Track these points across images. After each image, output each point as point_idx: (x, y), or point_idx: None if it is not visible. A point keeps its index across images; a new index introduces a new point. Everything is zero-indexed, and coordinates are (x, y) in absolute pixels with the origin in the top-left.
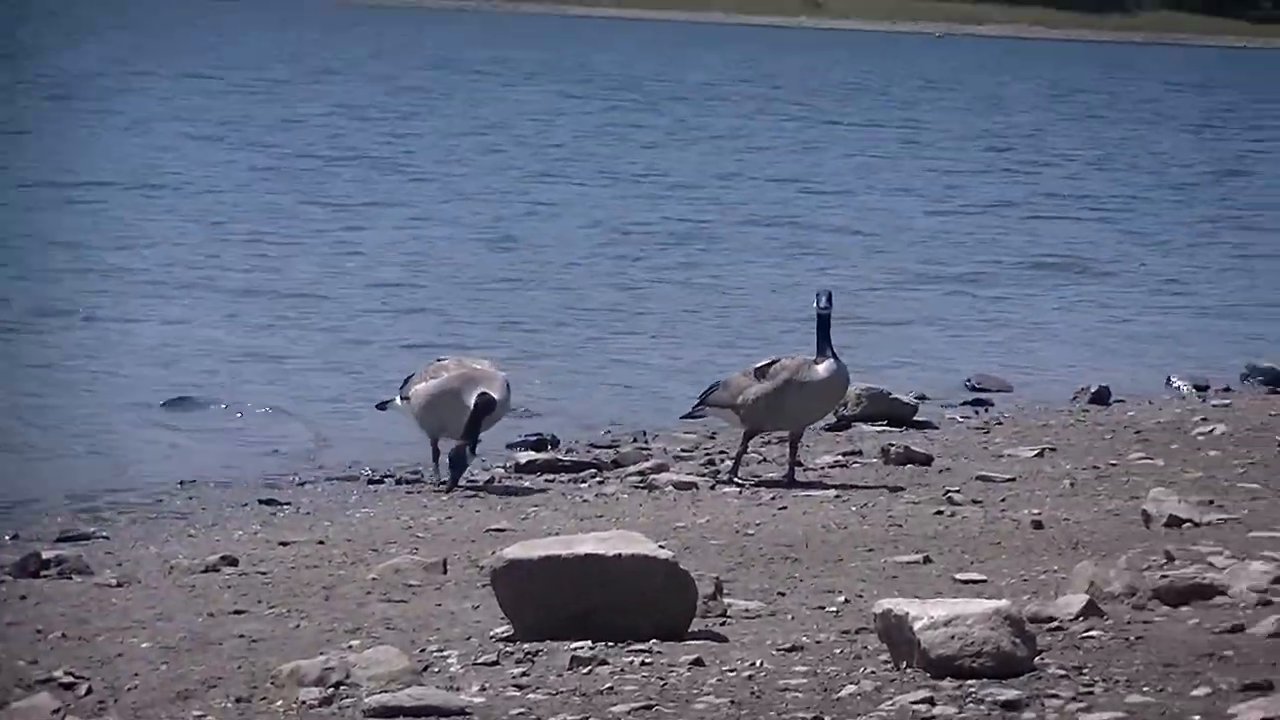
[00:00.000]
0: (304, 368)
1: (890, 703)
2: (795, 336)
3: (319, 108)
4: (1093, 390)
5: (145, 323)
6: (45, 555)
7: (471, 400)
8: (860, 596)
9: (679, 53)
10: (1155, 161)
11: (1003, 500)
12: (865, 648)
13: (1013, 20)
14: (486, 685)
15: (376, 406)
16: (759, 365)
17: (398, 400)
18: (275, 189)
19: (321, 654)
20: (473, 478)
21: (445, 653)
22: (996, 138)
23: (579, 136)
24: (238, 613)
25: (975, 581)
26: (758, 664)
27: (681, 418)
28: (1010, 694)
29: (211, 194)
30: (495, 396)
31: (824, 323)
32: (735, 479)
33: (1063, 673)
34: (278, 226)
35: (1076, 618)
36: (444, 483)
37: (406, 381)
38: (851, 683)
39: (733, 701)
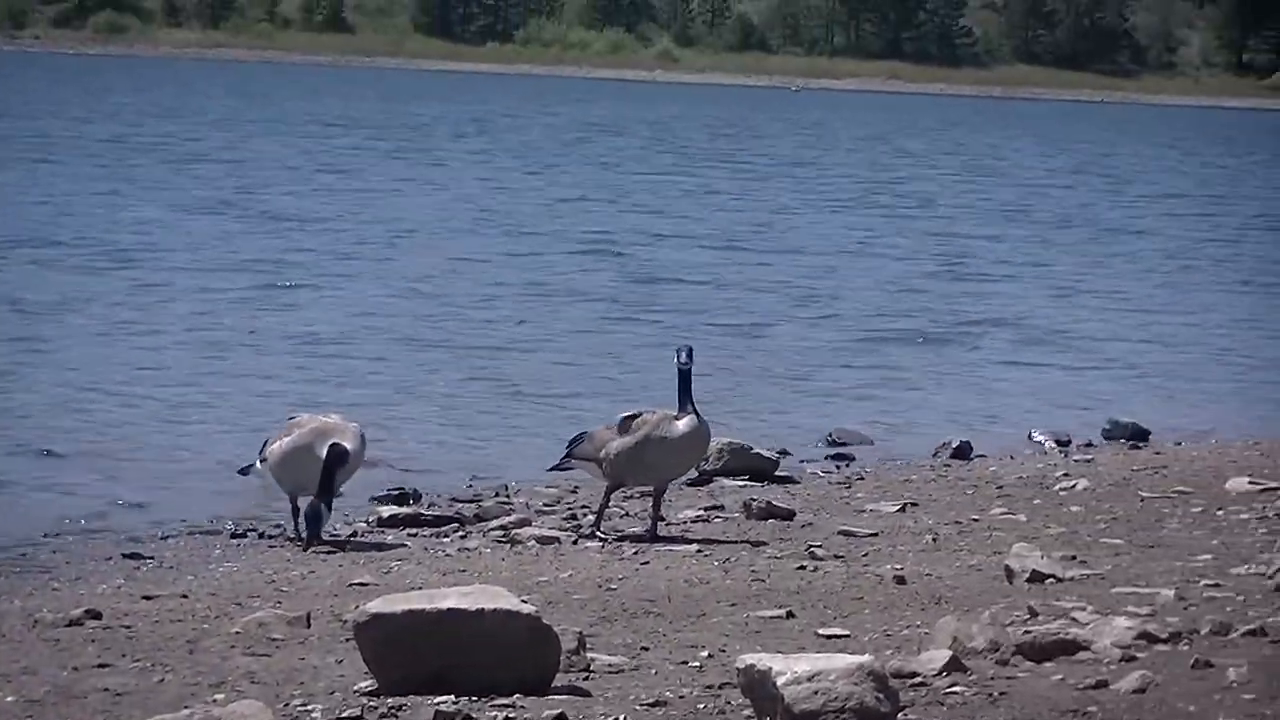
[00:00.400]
0: (167, 418)
1: None
2: (664, 392)
3: None
4: (954, 445)
5: (12, 374)
6: None
7: (323, 453)
8: (723, 651)
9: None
10: (1024, 210)
11: (865, 555)
12: (729, 703)
13: (868, 74)
14: None
15: (239, 472)
16: (623, 417)
17: (258, 464)
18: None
19: (186, 708)
20: (335, 532)
21: (309, 707)
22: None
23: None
24: (102, 666)
25: (838, 636)
26: (622, 719)
27: (549, 470)
28: None
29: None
30: (348, 447)
31: (685, 378)
32: (598, 533)
33: None
34: (142, 274)
35: (940, 673)
36: (304, 539)
37: (265, 444)
38: None
39: None
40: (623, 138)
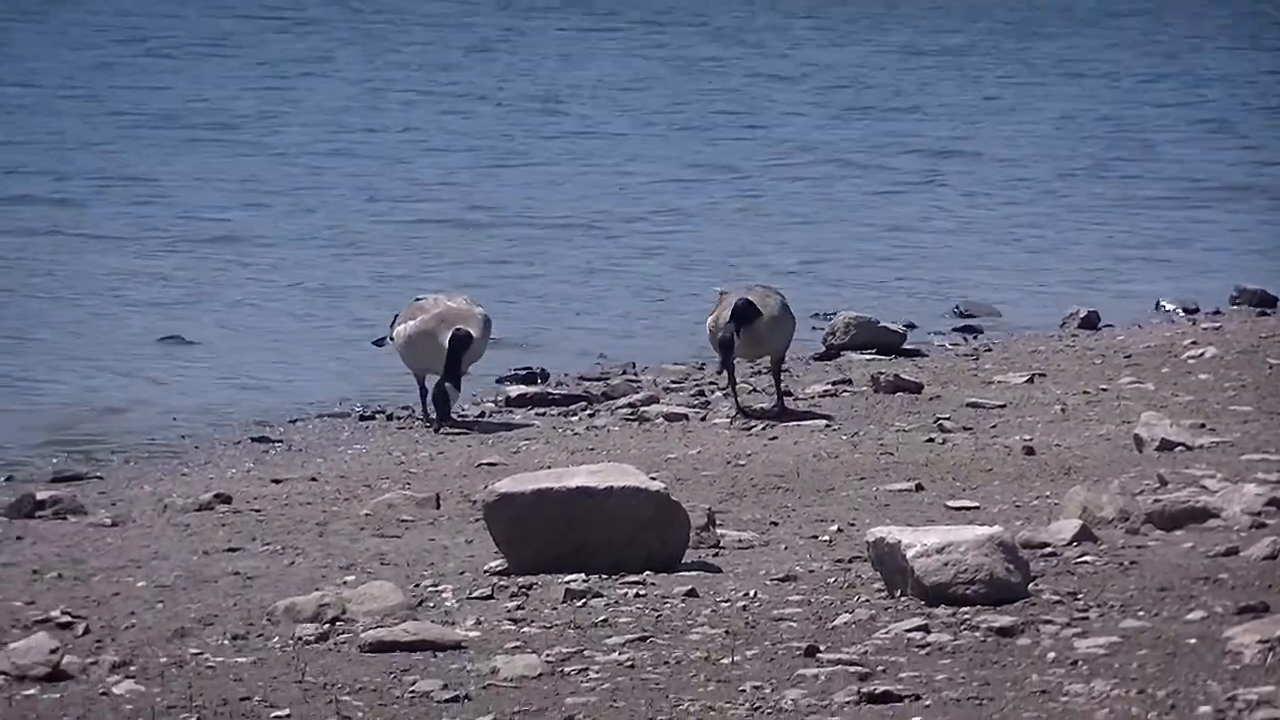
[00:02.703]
0: (289, 306)
1: (885, 631)
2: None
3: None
4: (1082, 315)
5: (137, 261)
6: (40, 496)
7: (447, 339)
8: (853, 525)
9: None
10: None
11: (993, 427)
12: (859, 576)
13: None
14: (481, 619)
15: (374, 343)
16: (719, 292)
17: (389, 338)
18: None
19: (317, 590)
20: (463, 413)
21: (440, 587)
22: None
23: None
24: (232, 550)
25: (968, 508)
26: (752, 594)
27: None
28: (1005, 620)
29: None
30: (472, 333)
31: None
32: (739, 410)
33: (1057, 599)
34: (268, 165)
35: (1070, 543)
36: (432, 421)
37: (394, 320)
38: (846, 611)
39: (727, 632)
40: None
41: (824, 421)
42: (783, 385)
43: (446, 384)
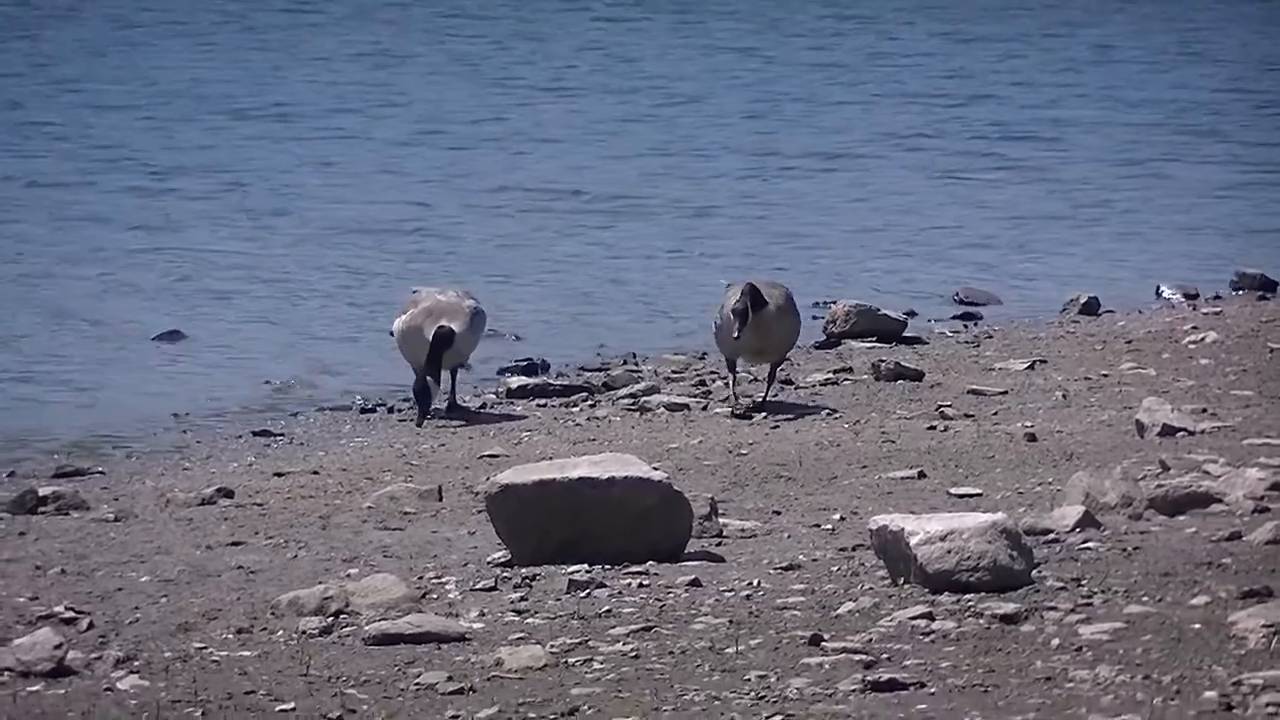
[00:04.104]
0: (291, 298)
1: (889, 618)
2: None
3: None
4: (1082, 301)
5: (136, 254)
6: (42, 492)
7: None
8: (855, 513)
9: None
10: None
11: (995, 414)
12: (862, 564)
13: None
14: (485, 611)
15: (390, 332)
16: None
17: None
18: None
19: (320, 583)
20: (464, 402)
21: (443, 579)
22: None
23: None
24: (235, 544)
25: (970, 495)
26: (755, 583)
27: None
28: (1009, 607)
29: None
30: (455, 329)
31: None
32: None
33: (1061, 585)
34: (268, 153)
35: (1073, 529)
36: (424, 418)
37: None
38: (849, 599)
39: (731, 621)
40: None
41: (825, 409)
42: (776, 380)
43: (426, 379)
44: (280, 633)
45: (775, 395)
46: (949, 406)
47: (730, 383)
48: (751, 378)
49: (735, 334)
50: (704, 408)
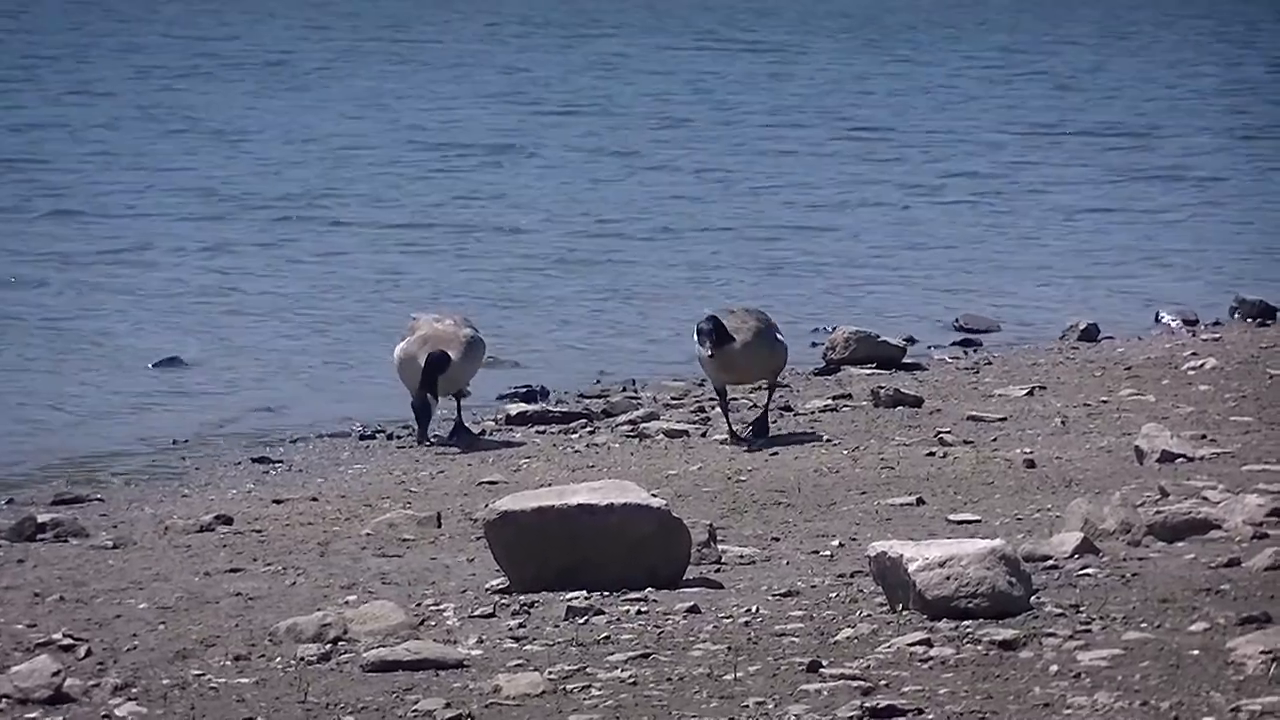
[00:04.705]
0: (289, 324)
1: (887, 645)
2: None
3: None
4: (1081, 327)
5: (134, 281)
6: (41, 519)
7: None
8: (854, 540)
9: None
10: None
11: (994, 440)
12: (861, 591)
13: None
14: (484, 637)
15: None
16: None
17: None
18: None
19: (318, 610)
20: (467, 425)
21: (442, 606)
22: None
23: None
24: (234, 571)
25: (969, 522)
26: (754, 610)
27: None
28: (1008, 633)
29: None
30: (450, 355)
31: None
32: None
33: (1059, 611)
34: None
35: (1072, 556)
36: (421, 436)
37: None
38: (848, 626)
39: (729, 648)
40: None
41: (825, 436)
42: (771, 406)
43: (424, 396)
44: (278, 660)
45: (774, 420)
46: (948, 433)
47: (724, 410)
48: (750, 404)
49: (708, 352)
50: (703, 434)
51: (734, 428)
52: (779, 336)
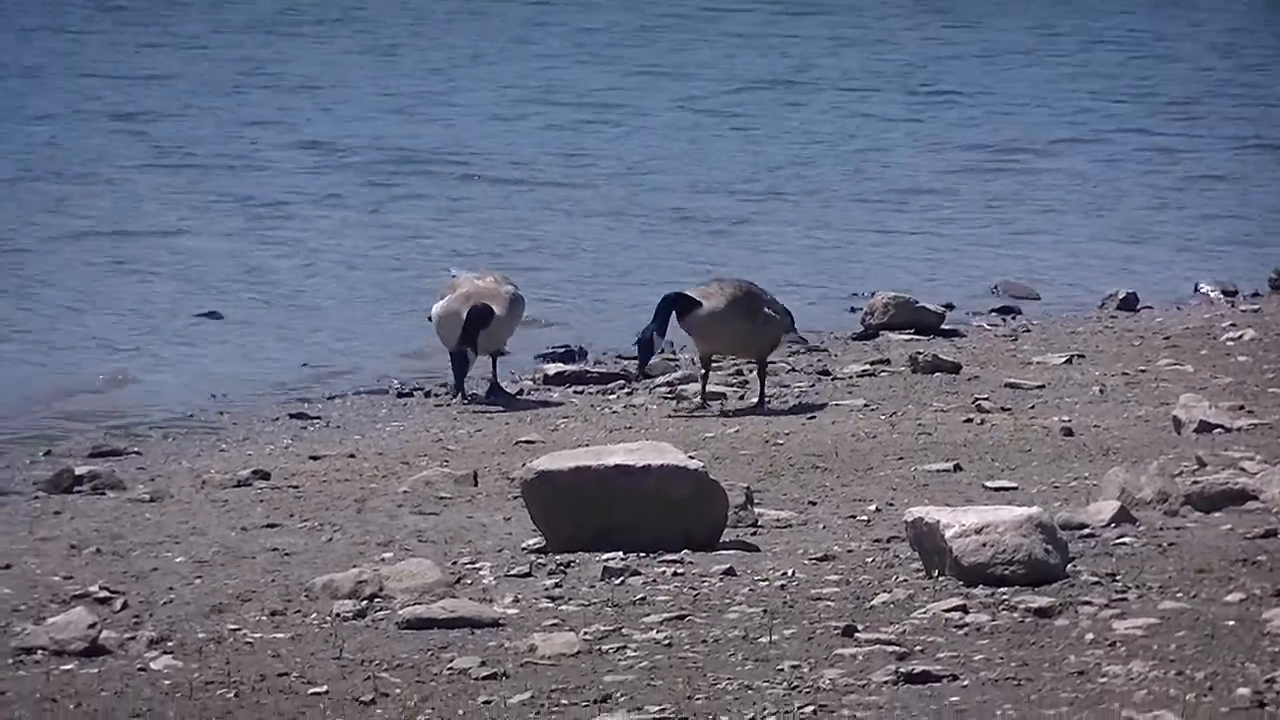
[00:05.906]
0: (330, 280)
1: (923, 610)
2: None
3: None
4: (1121, 297)
5: (174, 237)
6: (78, 471)
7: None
8: (891, 505)
9: None
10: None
11: (1032, 408)
12: (897, 556)
13: None
14: (519, 597)
15: (428, 318)
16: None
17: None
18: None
19: (354, 567)
20: (504, 384)
21: (478, 565)
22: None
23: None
24: (270, 526)
25: (1006, 489)
26: (790, 573)
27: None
28: (1043, 601)
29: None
30: (494, 309)
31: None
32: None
33: (1095, 579)
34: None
35: (1108, 524)
36: (460, 392)
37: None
38: (884, 591)
39: (765, 610)
40: None
41: (862, 400)
42: (766, 383)
43: (464, 348)
44: (314, 615)
45: (811, 386)
46: (986, 400)
47: (703, 379)
48: (790, 368)
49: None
50: (740, 397)
51: (706, 390)
52: (768, 312)
